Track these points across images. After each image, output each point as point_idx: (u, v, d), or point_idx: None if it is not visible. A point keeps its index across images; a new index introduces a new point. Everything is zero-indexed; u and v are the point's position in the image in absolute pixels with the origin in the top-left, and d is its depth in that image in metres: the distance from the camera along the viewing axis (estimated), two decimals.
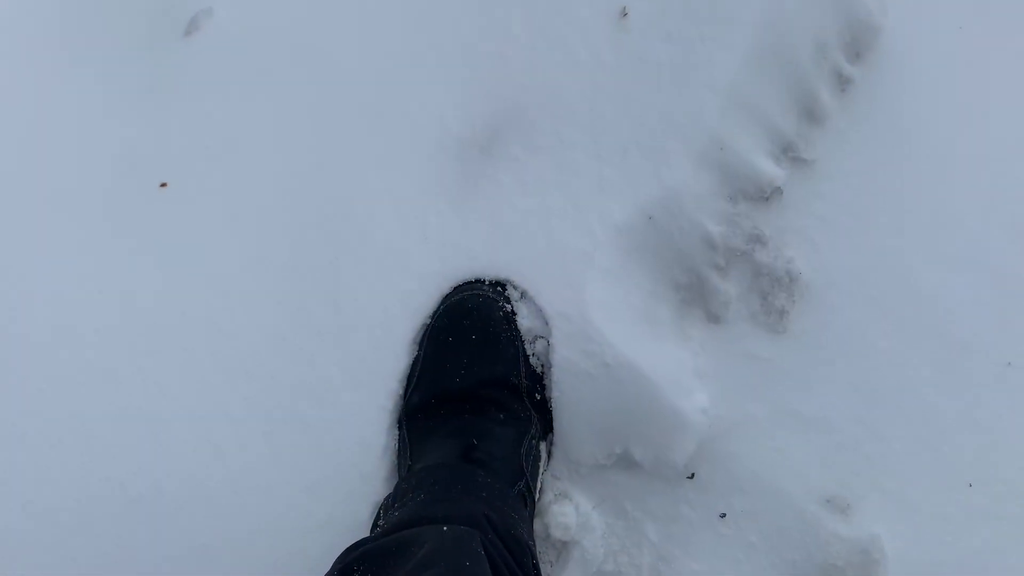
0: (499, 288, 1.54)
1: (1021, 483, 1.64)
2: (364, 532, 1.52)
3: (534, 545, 1.37)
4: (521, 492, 1.38)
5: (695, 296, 1.55)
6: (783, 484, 1.59)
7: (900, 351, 1.66)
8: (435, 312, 1.54)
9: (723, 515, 1.58)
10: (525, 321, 1.51)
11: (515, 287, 1.55)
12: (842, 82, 1.61)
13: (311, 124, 1.84)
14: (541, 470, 1.48)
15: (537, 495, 1.51)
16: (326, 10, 1.95)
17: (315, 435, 1.59)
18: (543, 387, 1.52)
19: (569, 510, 1.54)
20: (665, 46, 1.58)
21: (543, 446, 1.50)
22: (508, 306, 1.50)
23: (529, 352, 1.51)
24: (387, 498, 1.37)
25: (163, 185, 1.88)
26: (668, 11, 1.58)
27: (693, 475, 1.56)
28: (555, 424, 1.53)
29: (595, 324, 1.48)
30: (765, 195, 1.55)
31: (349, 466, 1.57)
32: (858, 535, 1.58)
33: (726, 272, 1.55)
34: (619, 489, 1.57)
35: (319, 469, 1.59)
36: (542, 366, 1.52)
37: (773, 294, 1.55)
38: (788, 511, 1.59)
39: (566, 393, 1.50)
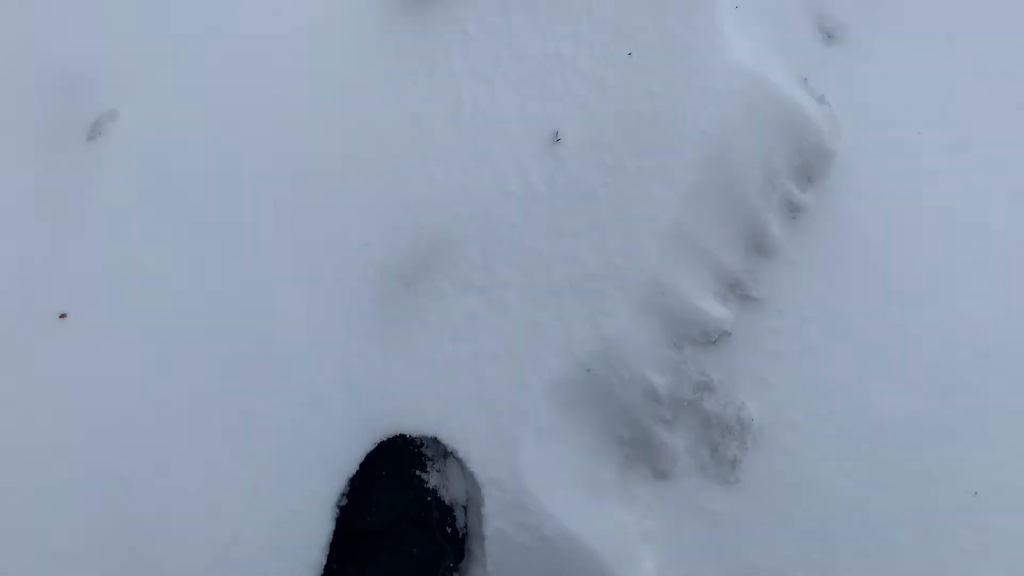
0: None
1: None
2: None
3: None
4: None
5: (640, 452, 1.43)
6: None
7: (860, 489, 1.55)
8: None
9: None
10: (451, 485, 1.42)
11: (441, 444, 1.41)
12: (793, 210, 1.49)
13: (224, 245, 1.69)
14: None
15: None
16: (241, 114, 1.80)
17: None
18: (454, 519, 1.47)
19: None
20: (601, 177, 1.45)
21: None
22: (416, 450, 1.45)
23: (440, 486, 1.46)
24: None
25: (63, 316, 1.72)
26: (603, 140, 1.45)
27: None
28: None
29: (531, 492, 1.35)
30: (712, 339, 1.43)
31: None
32: None
33: (673, 424, 1.43)
34: None
35: None
36: (451, 501, 1.48)
37: (724, 444, 1.43)
38: None
39: (502, 567, 1.36)
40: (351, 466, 1.45)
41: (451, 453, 1.40)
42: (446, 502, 1.48)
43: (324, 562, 1.44)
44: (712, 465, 1.45)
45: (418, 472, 1.46)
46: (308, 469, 1.47)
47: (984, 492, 1.59)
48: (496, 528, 1.35)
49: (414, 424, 1.44)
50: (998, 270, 1.63)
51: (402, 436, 1.45)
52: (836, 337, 1.55)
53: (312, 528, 1.45)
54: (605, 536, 1.36)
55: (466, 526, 1.50)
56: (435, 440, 1.43)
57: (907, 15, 1.72)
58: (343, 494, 1.45)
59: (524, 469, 1.36)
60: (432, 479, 1.47)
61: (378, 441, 1.45)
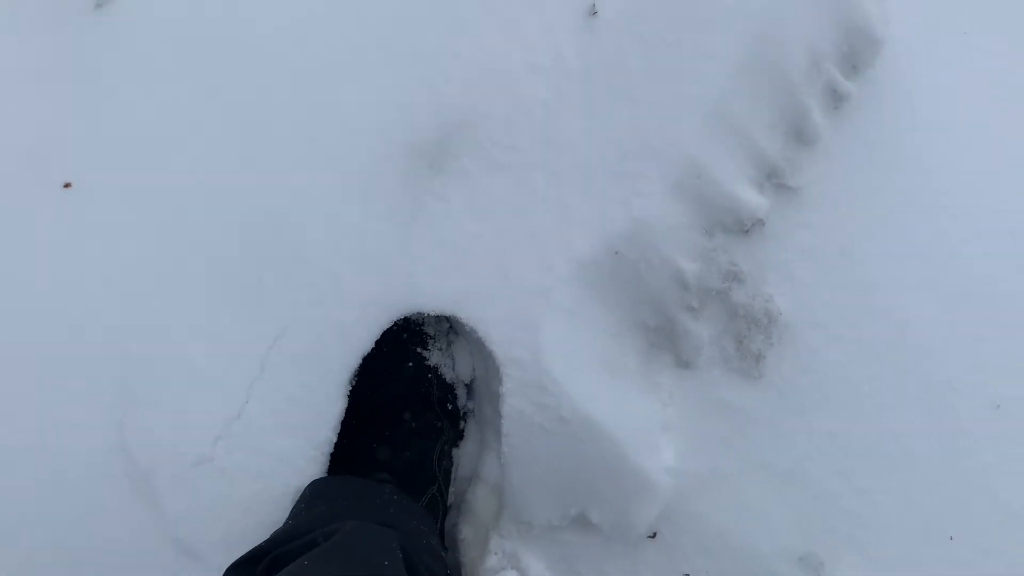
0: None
1: (1007, 537, 1.53)
2: None
3: (447, 554, 1.36)
4: (433, 497, 1.36)
5: (664, 339, 1.38)
6: (753, 542, 1.45)
7: (883, 396, 1.52)
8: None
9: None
10: (456, 364, 1.45)
11: (461, 325, 1.37)
12: (836, 99, 1.42)
13: (237, 118, 1.61)
14: (453, 476, 1.46)
15: (450, 500, 1.47)
16: (261, 15, 1.71)
17: (233, 485, 1.41)
18: (455, 396, 1.48)
19: None
20: (639, 51, 1.38)
21: (455, 453, 1.48)
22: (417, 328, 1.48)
23: (441, 364, 1.48)
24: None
25: (67, 185, 1.65)
26: (644, 12, 1.37)
27: (655, 535, 1.42)
28: (505, 481, 1.36)
29: (551, 372, 1.30)
30: (745, 228, 1.38)
31: (272, 524, 1.40)
32: None
33: (699, 313, 1.38)
34: (574, 551, 1.41)
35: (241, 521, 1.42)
36: (453, 380, 1.50)
37: (749, 337, 1.39)
38: (758, 572, 1.45)
39: (517, 448, 1.33)
40: (367, 345, 1.41)
41: (468, 331, 1.36)
42: (447, 380, 1.48)
43: (334, 440, 1.41)
44: (736, 358, 1.41)
45: (418, 349, 1.46)
46: (321, 346, 1.42)
47: (1007, 406, 1.56)
48: (513, 407, 1.31)
49: (432, 302, 1.39)
50: None
51: (419, 315, 1.40)
52: (871, 237, 1.50)
53: (323, 406, 1.41)
54: (625, 422, 1.33)
55: (467, 405, 1.51)
56: (440, 319, 1.41)
57: None
58: (355, 372, 1.41)
59: (545, 349, 1.31)
60: (433, 357, 1.47)
61: (394, 320, 1.41)
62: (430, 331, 1.49)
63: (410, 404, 1.43)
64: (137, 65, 1.73)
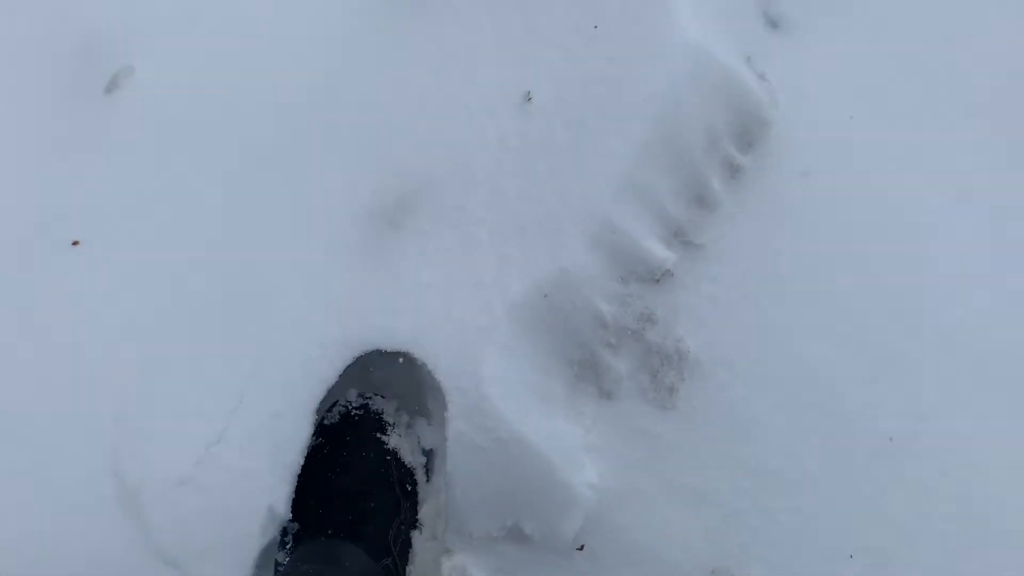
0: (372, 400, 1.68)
1: (899, 553, 1.71)
2: None
3: None
4: (387, 568, 1.47)
5: (588, 373, 1.61)
6: (671, 556, 1.64)
7: (786, 425, 1.73)
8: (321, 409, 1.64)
9: None
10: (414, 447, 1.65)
11: (412, 360, 1.59)
12: (733, 170, 1.69)
13: (224, 185, 1.87)
14: (411, 558, 1.57)
15: None
16: (244, 77, 1.99)
17: (212, 501, 1.60)
18: (414, 480, 1.62)
19: None
20: (565, 131, 1.65)
21: (414, 535, 1.60)
22: (382, 419, 1.64)
23: (400, 447, 1.63)
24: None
25: (75, 243, 1.89)
26: (569, 98, 1.65)
27: (583, 547, 1.61)
28: (449, 495, 1.57)
29: (490, 399, 1.52)
30: (655, 277, 1.62)
31: (245, 535, 1.58)
32: None
33: (617, 350, 1.62)
34: (511, 561, 1.60)
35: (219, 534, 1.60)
36: (412, 463, 1.66)
37: (663, 372, 1.62)
38: None
39: (460, 466, 1.54)
40: (332, 377, 1.63)
41: (419, 364, 1.58)
42: (406, 463, 1.64)
43: (302, 463, 1.61)
44: (651, 390, 1.63)
45: (378, 435, 1.63)
46: (291, 379, 1.64)
47: (898, 439, 1.77)
48: (457, 429, 1.53)
49: (389, 340, 1.61)
50: (917, 239, 1.82)
51: (377, 351, 1.62)
52: (769, 288, 1.74)
53: (292, 432, 1.62)
54: (553, 443, 1.54)
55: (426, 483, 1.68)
56: (397, 399, 1.63)
57: (846, 11, 1.94)
58: (321, 401, 1.62)
59: (485, 379, 1.54)
60: (392, 441, 1.64)
61: (356, 355, 1.63)
62: (389, 419, 1.67)
63: (370, 485, 1.58)
64: (140, 140, 2.00)
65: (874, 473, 1.75)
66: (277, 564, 1.52)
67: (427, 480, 1.65)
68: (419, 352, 1.59)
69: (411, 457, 1.64)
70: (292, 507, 1.59)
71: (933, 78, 1.98)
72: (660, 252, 1.61)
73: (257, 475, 1.61)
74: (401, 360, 1.60)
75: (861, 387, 1.77)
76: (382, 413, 1.66)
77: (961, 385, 1.77)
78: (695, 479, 1.67)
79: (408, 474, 1.62)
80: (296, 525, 1.56)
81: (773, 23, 1.82)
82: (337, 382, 1.62)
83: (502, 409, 1.52)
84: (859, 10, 1.98)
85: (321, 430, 1.64)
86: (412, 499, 1.62)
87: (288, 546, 1.54)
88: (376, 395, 1.68)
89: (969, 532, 1.65)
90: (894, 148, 1.89)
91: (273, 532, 1.60)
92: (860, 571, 1.70)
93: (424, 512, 1.61)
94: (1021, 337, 1.80)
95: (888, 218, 1.84)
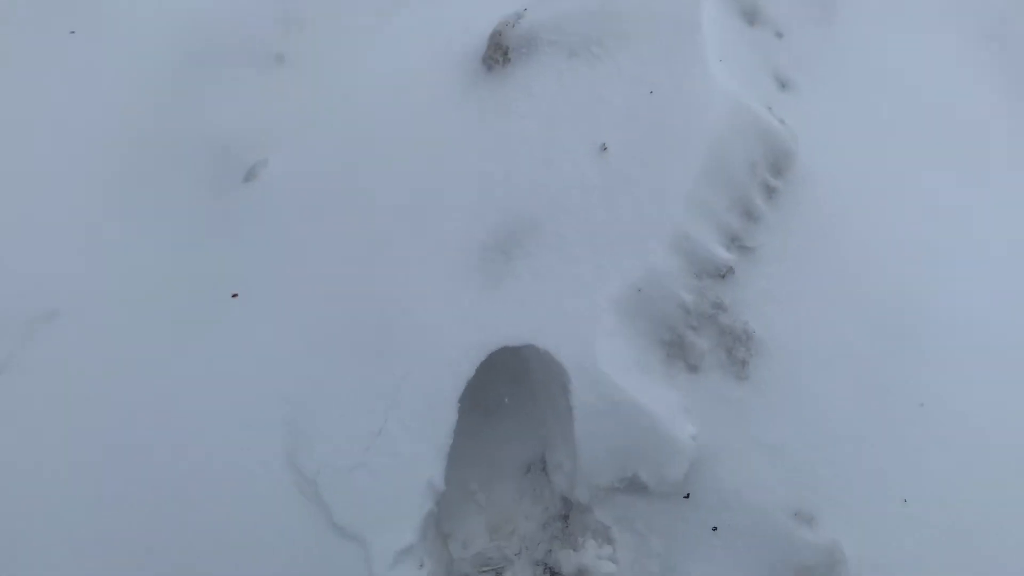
0: None
1: (945, 497, 2.06)
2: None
3: None
4: None
5: (677, 350, 2.01)
6: (760, 501, 1.98)
7: (834, 394, 2.11)
8: None
9: (715, 528, 1.95)
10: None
11: (537, 350, 1.99)
12: (770, 191, 2.16)
13: (361, 240, 2.31)
14: None
15: None
16: (362, 158, 2.48)
17: (380, 480, 1.94)
18: None
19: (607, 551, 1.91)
20: (638, 169, 2.13)
21: None
22: None
23: None
24: None
25: (234, 295, 2.30)
26: (637, 143, 2.14)
27: (688, 495, 1.95)
28: (578, 456, 1.92)
29: (604, 371, 1.92)
30: (722, 273, 2.05)
31: (409, 506, 1.92)
32: (822, 541, 1.96)
33: (699, 331, 2.02)
34: (630, 510, 1.94)
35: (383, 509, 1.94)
36: None
37: (735, 349, 2.02)
38: (766, 523, 1.97)
39: (586, 428, 1.90)
40: (469, 372, 2.01)
41: (543, 352, 1.97)
42: None
43: (451, 443, 1.96)
44: (728, 364, 2.03)
45: None
46: (437, 377, 2.02)
47: (929, 404, 2.15)
48: (580, 399, 1.91)
49: (516, 339, 2.01)
50: (902, 239, 2.28)
51: (506, 347, 2.02)
52: (809, 283, 2.17)
53: (442, 419, 1.99)
54: (658, 404, 1.92)
55: None
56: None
57: (837, 78, 2.48)
58: (464, 392, 1.99)
59: (598, 357, 1.93)
60: None
61: (489, 353, 2.02)
62: None
63: None
64: (279, 215, 2.44)
65: (912, 433, 2.12)
66: None
67: None
68: (542, 344, 1.98)
69: None
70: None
71: (904, 127, 2.52)
72: (722, 254, 2.05)
73: (416, 457, 1.96)
74: (527, 352, 1.99)
75: (893, 361, 2.17)
76: None
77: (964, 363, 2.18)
78: (772, 436, 2.03)
79: None
80: None
81: (783, 84, 2.36)
82: (474, 376, 2.00)
83: (616, 379, 1.91)
84: (847, 78, 2.54)
85: None
86: None
87: None
88: None
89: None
90: (885, 176, 2.39)
91: (432, 502, 1.93)
92: (913, 512, 2.04)
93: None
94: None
95: (885, 229, 2.30)
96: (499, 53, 2.45)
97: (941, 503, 2.06)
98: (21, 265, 2.45)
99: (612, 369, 1.93)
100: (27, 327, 2.32)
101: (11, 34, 3.09)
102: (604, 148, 2.18)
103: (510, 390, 2.18)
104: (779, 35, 2.42)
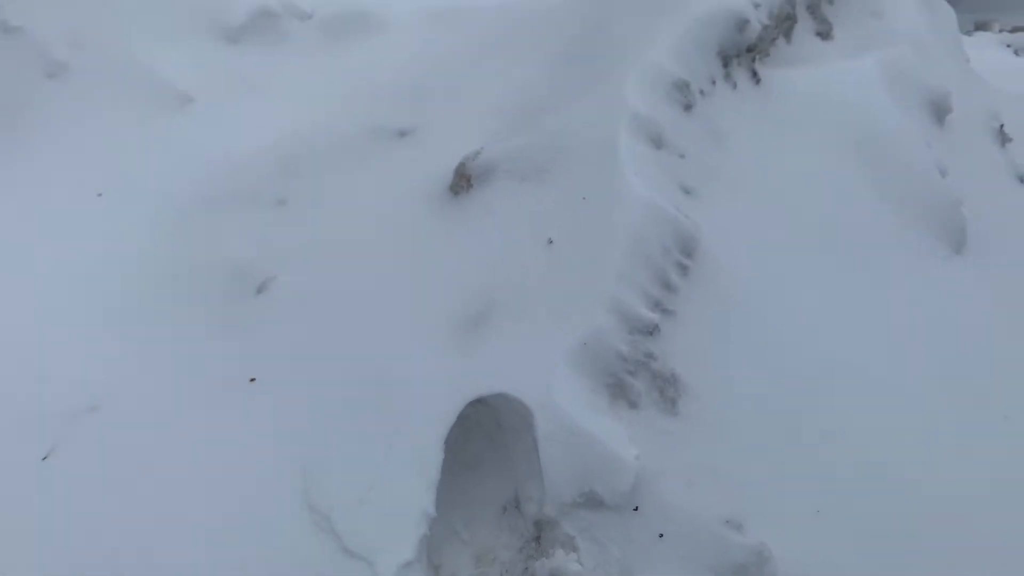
0: None
1: (851, 508, 2.51)
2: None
3: None
4: None
5: (619, 391, 2.50)
6: (696, 511, 2.41)
7: (751, 425, 2.60)
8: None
9: (661, 535, 2.36)
10: None
11: (507, 396, 2.46)
12: (682, 269, 2.74)
13: (356, 330, 2.82)
14: None
15: None
16: (354, 267, 3.03)
17: (382, 511, 2.34)
18: None
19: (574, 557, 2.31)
20: (576, 257, 2.71)
21: None
22: None
23: None
24: None
25: (252, 380, 2.76)
26: (576, 236, 2.73)
27: (637, 508, 2.37)
28: (545, 478, 2.35)
29: (563, 409, 2.39)
30: (649, 330, 2.58)
31: (407, 530, 2.31)
32: (751, 542, 2.38)
33: (635, 375, 2.52)
34: (591, 523, 2.35)
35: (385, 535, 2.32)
36: None
37: (666, 389, 2.51)
38: (703, 530, 2.39)
39: (549, 454, 2.35)
40: (452, 418, 2.47)
41: (512, 399, 2.45)
42: None
43: (439, 478, 2.39)
44: (661, 402, 2.52)
45: None
46: (424, 425, 2.47)
47: (833, 433, 2.65)
48: (543, 431, 2.37)
49: (489, 391, 2.49)
50: (791, 306, 2.86)
51: (479, 399, 2.49)
52: (717, 340, 2.71)
53: (431, 458, 2.42)
54: (607, 433, 2.38)
55: None
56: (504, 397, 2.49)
57: (734, 188, 3.15)
58: (448, 449, 2.43)
59: (556, 398, 2.41)
60: None
61: (467, 402, 2.49)
62: None
63: None
64: (289, 320, 2.95)
65: (824, 449, 2.60)
66: None
67: None
68: (511, 392, 2.46)
69: None
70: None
71: (789, 222, 3.17)
72: (648, 314, 2.59)
73: (411, 490, 2.38)
74: (498, 400, 2.47)
75: (792, 396, 2.68)
76: None
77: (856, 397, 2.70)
78: (702, 458, 2.49)
79: None
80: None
81: (687, 191, 3.00)
82: (455, 422, 2.46)
83: (572, 414, 2.38)
84: (739, 186, 3.21)
85: None
86: None
87: None
88: None
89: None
90: (775, 258, 3.00)
91: (426, 527, 2.33)
92: (829, 523, 2.47)
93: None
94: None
95: (775, 295, 2.89)
96: (464, 181, 3.09)
97: (848, 513, 2.51)
98: (64, 369, 2.89)
99: (568, 407, 2.40)
100: (72, 419, 2.74)
101: (50, 197, 3.69)
102: (550, 242, 2.76)
103: (486, 446, 2.63)
104: (682, 156, 3.09)
